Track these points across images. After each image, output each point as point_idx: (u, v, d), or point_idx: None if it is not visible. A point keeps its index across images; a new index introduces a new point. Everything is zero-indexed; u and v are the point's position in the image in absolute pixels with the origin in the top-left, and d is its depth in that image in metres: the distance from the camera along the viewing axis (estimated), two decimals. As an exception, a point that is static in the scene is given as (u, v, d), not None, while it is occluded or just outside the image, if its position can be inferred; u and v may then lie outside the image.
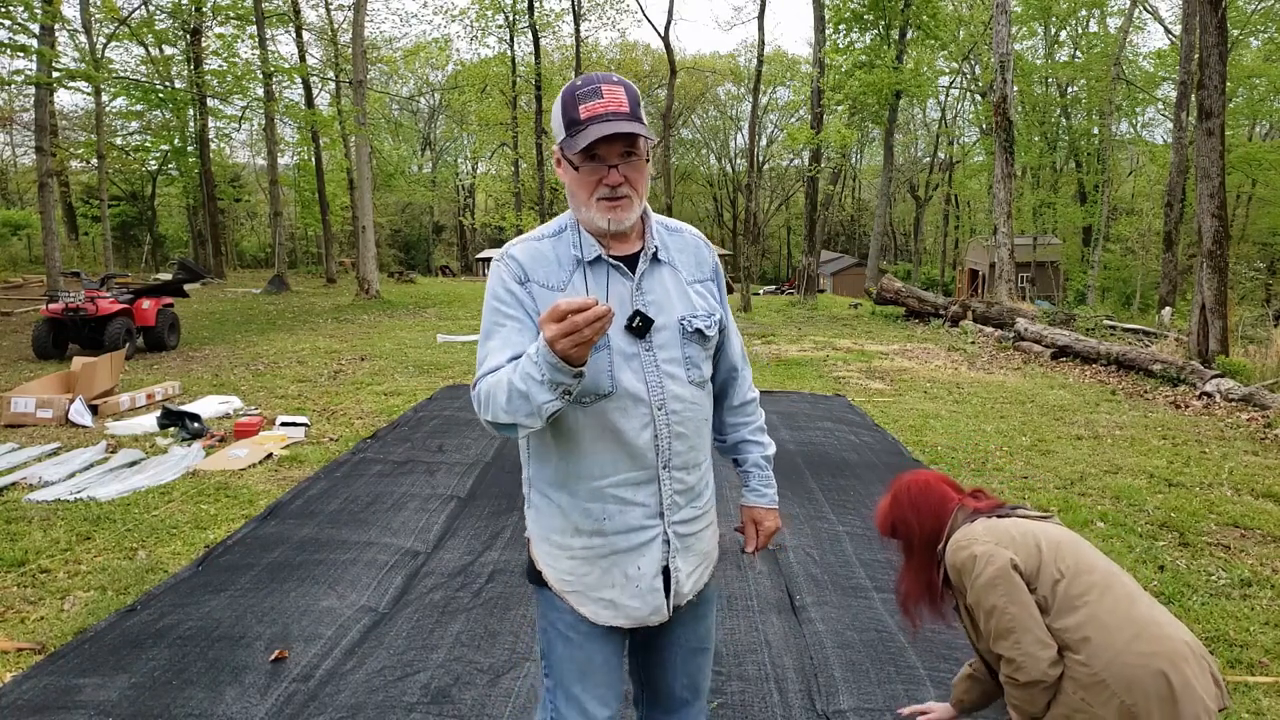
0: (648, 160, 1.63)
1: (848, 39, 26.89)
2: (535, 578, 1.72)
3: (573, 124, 1.56)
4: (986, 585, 1.99)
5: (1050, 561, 2.01)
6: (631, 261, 1.66)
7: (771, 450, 1.98)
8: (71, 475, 5.34)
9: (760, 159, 47.09)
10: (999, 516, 2.15)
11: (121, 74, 25.58)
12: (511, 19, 25.51)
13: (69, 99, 33.01)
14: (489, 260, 43.65)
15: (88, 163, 27.74)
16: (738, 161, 54.07)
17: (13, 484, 5.13)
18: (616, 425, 1.60)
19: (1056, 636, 1.96)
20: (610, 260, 1.64)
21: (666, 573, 1.69)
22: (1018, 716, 2.03)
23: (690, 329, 1.69)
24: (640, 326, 1.56)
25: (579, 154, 1.55)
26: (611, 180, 1.57)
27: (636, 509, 1.64)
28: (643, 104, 1.61)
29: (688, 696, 1.85)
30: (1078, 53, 33.64)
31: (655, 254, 1.69)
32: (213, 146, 27.63)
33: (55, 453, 5.93)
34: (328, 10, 27.55)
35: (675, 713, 1.86)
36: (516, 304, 1.60)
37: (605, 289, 1.63)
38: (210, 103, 25.01)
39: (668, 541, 1.68)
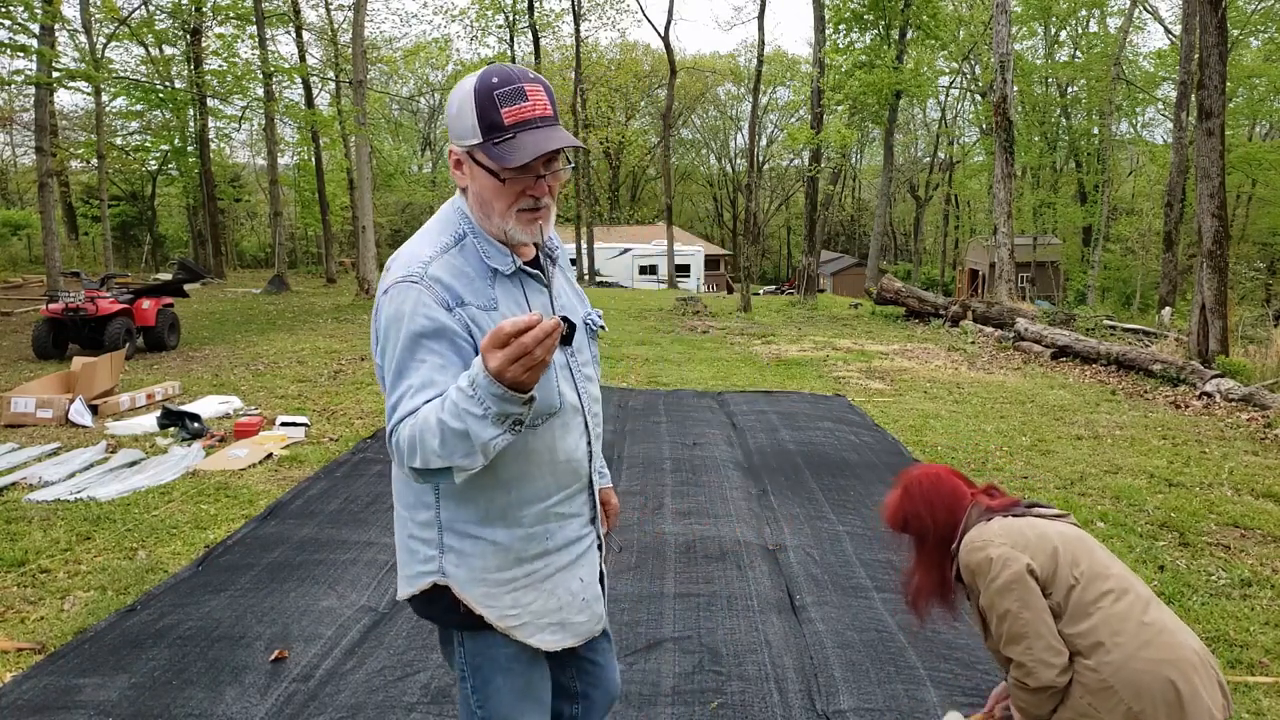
0: (573, 168, 1.57)
1: (848, 39, 26.89)
2: (467, 623, 1.54)
3: (494, 129, 1.40)
4: (1001, 590, 1.97)
5: (1066, 566, 1.99)
6: (533, 266, 1.57)
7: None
8: (71, 475, 5.34)
9: (760, 159, 47.10)
10: (1014, 515, 2.12)
11: (121, 74, 25.58)
12: (511, 19, 25.52)
13: (69, 99, 33.03)
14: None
15: (88, 163, 27.75)
16: (738, 161, 54.10)
17: (13, 484, 5.14)
18: (562, 441, 1.54)
19: (1068, 642, 1.95)
20: (526, 269, 1.53)
21: (600, 577, 1.69)
22: (1022, 718, 2.03)
23: (595, 327, 1.69)
24: (568, 334, 1.40)
25: (505, 167, 1.42)
26: (538, 191, 1.47)
27: (574, 520, 1.60)
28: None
29: (616, 692, 1.84)
30: (1078, 53, 33.66)
31: (554, 256, 1.63)
32: (213, 146, 27.63)
33: (55, 453, 5.93)
34: (328, 10, 27.54)
35: (607, 712, 1.84)
36: (441, 336, 1.39)
37: (530, 301, 1.53)
38: (210, 103, 25.00)
39: (601, 546, 1.69)
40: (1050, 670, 1.92)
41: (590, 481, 1.63)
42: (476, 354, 1.40)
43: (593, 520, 1.65)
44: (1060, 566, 1.99)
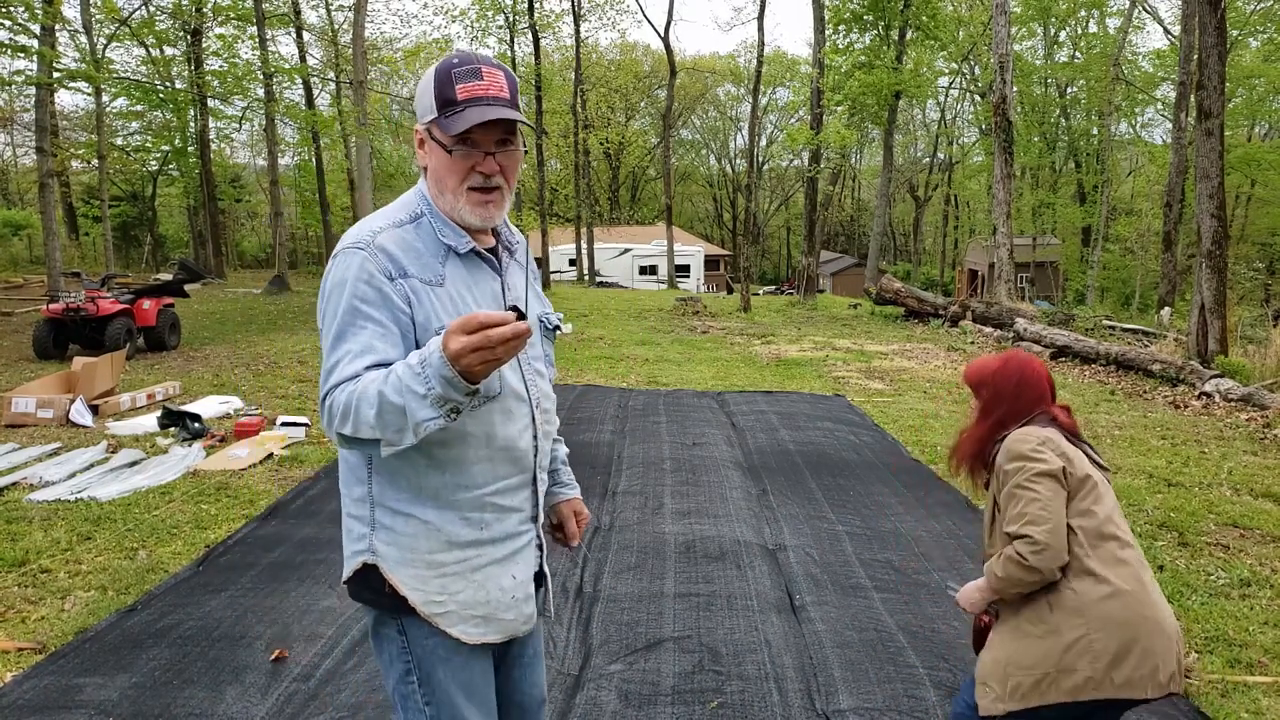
0: (525, 151, 1.56)
1: (847, 39, 26.87)
2: (394, 605, 1.50)
3: (448, 104, 1.45)
4: (1041, 475, 2.05)
5: (1089, 501, 2.09)
6: (490, 254, 1.58)
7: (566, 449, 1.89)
8: (72, 475, 5.35)
9: (760, 159, 47.14)
10: (1071, 440, 2.22)
11: (122, 74, 25.59)
12: (511, 20, 25.45)
13: (70, 99, 33.04)
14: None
15: (88, 163, 27.75)
16: (737, 162, 54.11)
17: (13, 484, 5.14)
18: (502, 428, 1.51)
19: (1073, 560, 2.03)
20: (482, 253, 1.54)
21: (538, 578, 1.65)
22: (987, 589, 2.12)
23: (549, 326, 1.70)
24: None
25: (453, 137, 1.45)
26: (487, 168, 1.48)
27: (513, 515, 1.56)
28: (520, 91, 1.51)
29: (537, 709, 1.76)
30: (1077, 53, 33.65)
31: (513, 250, 1.64)
32: (213, 147, 27.63)
33: (56, 453, 5.93)
34: (328, 11, 27.52)
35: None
36: (383, 304, 1.41)
37: (476, 284, 1.53)
38: (211, 103, 25.00)
39: (540, 546, 1.64)
40: (1057, 561, 1.99)
41: (535, 478, 1.60)
42: (413, 326, 1.42)
43: (534, 519, 1.62)
44: (1084, 497, 2.08)
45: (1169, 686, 1.97)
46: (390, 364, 1.35)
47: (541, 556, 1.65)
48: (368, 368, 1.36)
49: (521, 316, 1.30)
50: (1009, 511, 2.09)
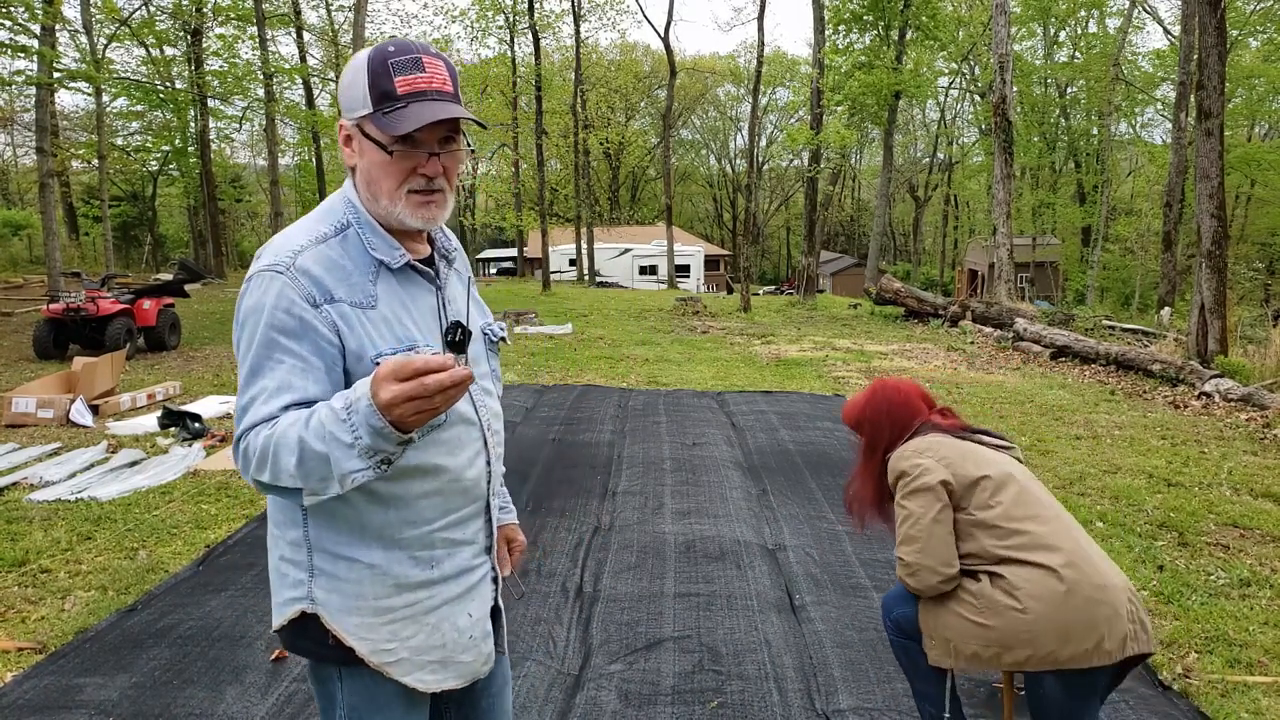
0: (471, 150, 1.43)
1: (847, 40, 26.89)
2: (340, 657, 1.37)
3: (386, 98, 1.29)
4: (912, 493, 2.10)
5: (987, 491, 2.09)
6: (426, 264, 1.43)
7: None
8: (72, 475, 5.35)
9: (760, 159, 47.14)
10: (957, 437, 2.23)
11: (122, 74, 25.63)
12: (511, 20, 25.44)
13: (70, 99, 33.10)
14: (489, 260, 43.63)
15: (88, 163, 27.74)
16: (737, 162, 54.15)
17: (14, 484, 5.14)
18: (451, 457, 1.38)
19: (992, 553, 2.05)
20: (417, 266, 1.39)
21: (495, 612, 1.53)
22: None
23: (494, 339, 1.56)
24: (461, 340, 1.24)
25: (393, 137, 1.30)
26: (430, 170, 1.34)
27: (466, 549, 1.43)
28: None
29: None
30: (1077, 53, 33.68)
31: (451, 258, 1.49)
32: (213, 147, 27.60)
33: (56, 453, 5.93)
34: (328, 11, 27.58)
35: None
36: (303, 335, 1.26)
37: (414, 301, 1.38)
38: (211, 103, 25.01)
39: (496, 580, 1.53)
40: (935, 577, 2.04)
41: (488, 506, 1.48)
42: (343, 357, 1.29)
43: (488, 550, 1.49)
44: (981, 490, 2.10)
45: (1125, 650, 1.94)
46: (311, 403, 1.22)
47: (496, 591, 1.54)
48: (284, 407, 1.22)
49: (466, 334, 1.20)
50: (896, 529, 2.16)
